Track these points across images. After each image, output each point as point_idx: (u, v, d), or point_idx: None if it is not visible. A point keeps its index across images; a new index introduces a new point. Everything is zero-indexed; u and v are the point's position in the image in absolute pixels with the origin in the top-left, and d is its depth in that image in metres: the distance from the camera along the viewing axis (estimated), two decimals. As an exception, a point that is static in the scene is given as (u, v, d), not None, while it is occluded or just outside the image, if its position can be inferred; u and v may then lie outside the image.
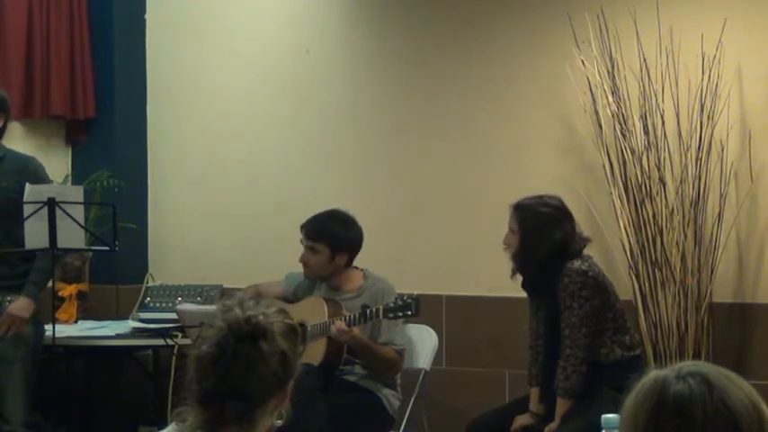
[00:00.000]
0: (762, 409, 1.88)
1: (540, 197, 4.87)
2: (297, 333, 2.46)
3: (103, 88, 6.57)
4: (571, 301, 4.70)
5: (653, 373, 1.92)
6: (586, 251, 4.88)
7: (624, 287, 5.38)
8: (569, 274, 4.71)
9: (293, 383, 2.44)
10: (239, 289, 5.33)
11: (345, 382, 5.25)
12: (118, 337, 5.94)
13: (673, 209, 5.49)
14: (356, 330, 5.13)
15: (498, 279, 5.62)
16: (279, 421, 2.42)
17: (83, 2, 6.50)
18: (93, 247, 5.87)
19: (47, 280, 5.38)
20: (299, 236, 5.37)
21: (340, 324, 5.10)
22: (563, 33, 5.74)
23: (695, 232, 5.47)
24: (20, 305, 5.28)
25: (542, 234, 4.77)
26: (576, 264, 4.74)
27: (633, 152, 5.55)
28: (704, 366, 1.91)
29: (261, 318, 2.40)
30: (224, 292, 6.08)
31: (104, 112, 6.57)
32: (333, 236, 5.31)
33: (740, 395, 1.87)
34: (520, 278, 4.93)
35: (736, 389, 1.88)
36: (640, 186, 5.53)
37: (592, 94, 5.67)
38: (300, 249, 5.38)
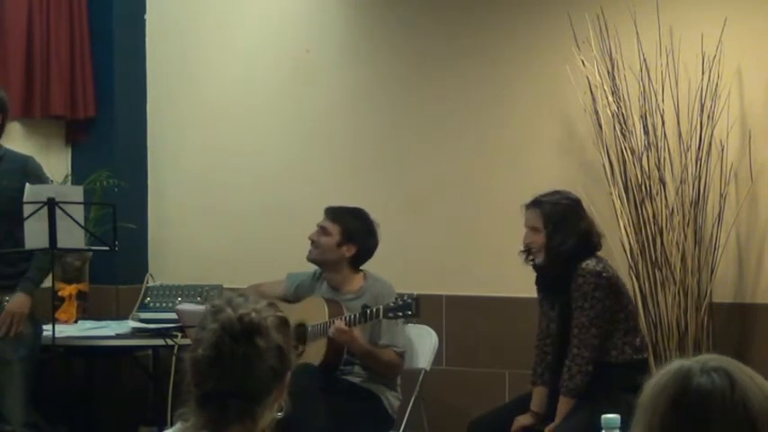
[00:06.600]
0: None
1: (557, 191, 4.88)
2: (288, 325, 2.46)
3: (103, 88, 6.56)
4: (583, 302, 4.69)
5: (677, 362, 1.90)
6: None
7: (624, 287, 5.39)
8: (583, 275, 4.70)
9: (290, 376, 2.44)
10: (239, 289, 5.32)
11: (345, 382, 5.24)
12: (118, 337, 5.94)
13: (673, 209, 5.49)
14: (356, 331, 5.12)
15: (498, 279, 5.64)
16: (279, 414, 2.42)
17: (83, 2, 6.50)
18: (93, 247, 5.86)
19: (43, 277, 5.37)
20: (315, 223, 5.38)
21: (339, 324, 5.09)
22: (563, 33, 5.74)
23: (695, 232, 5.47)
24: (17, 302, 5.27)
25: (568, 225, 4.76)
26: (591, 264, 4.73)
27: (633, 152, 5.55)
28: (729, 363, 1.89)
29: (254, 314, 2.40)
30: (224, 293, 6.07)
31: (104, 112, 6.57)
32: (349, 224, 5.32)
33: (760, 396, 1.86)
34: (523, 278, 4.92)
35: (757, 390, 1.87)
36: (640, 186, 5.53)
37: (592, 94, 5.67)
38: (303, 248, 5.38)
